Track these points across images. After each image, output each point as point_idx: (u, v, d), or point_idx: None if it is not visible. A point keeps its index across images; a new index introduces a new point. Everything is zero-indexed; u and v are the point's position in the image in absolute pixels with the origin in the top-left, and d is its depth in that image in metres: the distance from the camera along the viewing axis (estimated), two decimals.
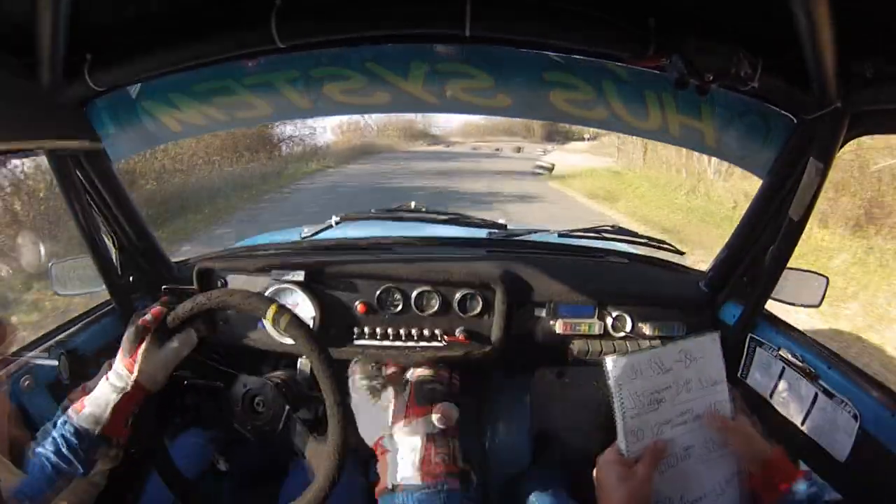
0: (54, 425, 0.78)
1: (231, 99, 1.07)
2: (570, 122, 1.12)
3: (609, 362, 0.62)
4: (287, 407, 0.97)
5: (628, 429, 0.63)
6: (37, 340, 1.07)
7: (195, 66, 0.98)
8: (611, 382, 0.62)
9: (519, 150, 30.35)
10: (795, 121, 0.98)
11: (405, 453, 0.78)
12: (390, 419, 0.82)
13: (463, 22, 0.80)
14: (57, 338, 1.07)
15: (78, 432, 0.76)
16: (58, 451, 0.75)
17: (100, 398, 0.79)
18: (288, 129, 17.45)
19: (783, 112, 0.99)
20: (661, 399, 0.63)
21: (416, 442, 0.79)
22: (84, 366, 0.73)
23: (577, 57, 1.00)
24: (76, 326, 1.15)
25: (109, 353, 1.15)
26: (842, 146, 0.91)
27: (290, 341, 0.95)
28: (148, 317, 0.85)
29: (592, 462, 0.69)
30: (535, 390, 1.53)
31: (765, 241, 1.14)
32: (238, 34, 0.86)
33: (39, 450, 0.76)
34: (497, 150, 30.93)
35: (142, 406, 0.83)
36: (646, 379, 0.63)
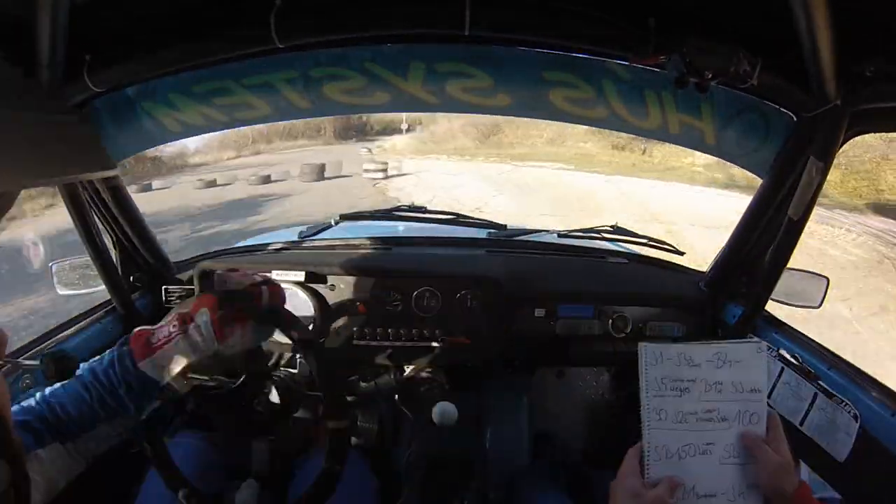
0: (107, 360, 0.76)
1: (230, 99, 1.07)
2: (569, 120, 1.12)
3: (640, 347, 0.65)
4: (287, 407, 0.97)
5: (651, 407, 0.65)
6: (38, 339, 1.08)
7: (194, 66, 0.98)
8: (639, 366, 0.65)
9: (333, 170, 14.47)
10: (795, 119, 0.98)
11: None
12: None
13: (463, 22, 0.80)
14: (57, 336, 1.07)
15: (140, 378, 0.74)
16: (112, 391, 0.73)
17: (174, 354, 0.75)
18: None
19: (783, 110, 0.99)
20: (686, 389, 0.65)
21: None
22: (68, 366, 0.71)
23: (578, 56, 1.00)
24: (77, 325, 1.15)
25: None
26: (842, 144, 0.91)
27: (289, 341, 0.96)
28: (265, 293, 0.82)
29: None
30: (534, 390, 1.53)
31: (765, 241, 1.14)
32: (237, 34, 0.86)
33: (87, 378, 0.74)
34: (269, 177, 14.35)
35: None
36: (671, 367, 0.65)
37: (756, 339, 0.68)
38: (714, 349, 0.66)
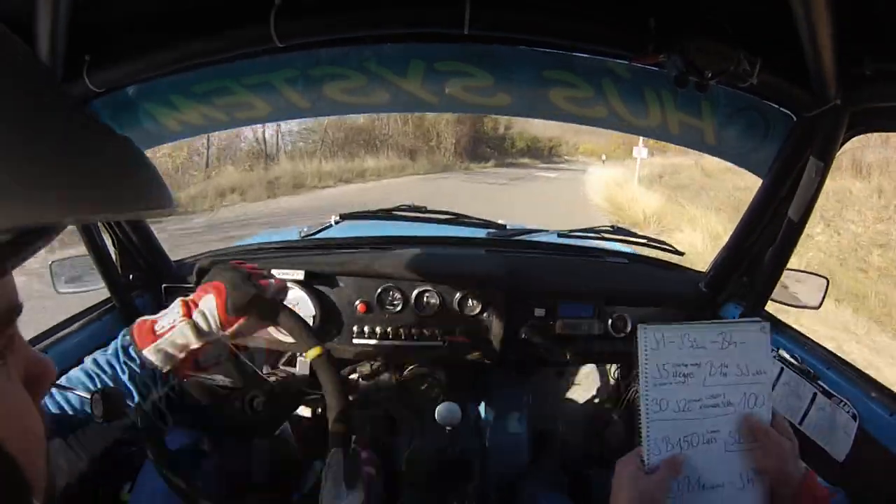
0: (111, 349, 0.75)
1: (230, 99, 1.07)
2: (569, 120, 1.12)
3: (640, 330, 0.60)
4: (286, 406, 0.97)
5: (651, 398, 0.60)
6: (37, 337, 1.07)
7: (194, 66, 0.98)
8: (639, 351, 0.60)
9: None
10: (795, 118, 0.98)
11: None
12: None
13: (462, 21, 0.80)
14: (56, 335, 1.07)
15: (144, 366, 0.73)
16: (116, 380, 0.72)
17: (178, 341, 0.74)
18: None
19: (783, 110, 0.99)
20: (690, 374, 0.61)
21: None
22: (117, 404, 0.72)
23: (577, 55, 1.00)
24: (77, 324, 1.15)
25: None
26: (842, 144, 0.91)
27: (290, 340, 0.96)
28: (272, 284, 0.81)
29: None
30: (534, 390, 1.53)
31: (764, 241, 1.14)
32: (237, 34, 0.86)
33: (90, 368, 0.72)
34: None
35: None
36: (673, 351, 0.60)
37: (758, 319, 0.65)
38: (718, 329, 0.62)
